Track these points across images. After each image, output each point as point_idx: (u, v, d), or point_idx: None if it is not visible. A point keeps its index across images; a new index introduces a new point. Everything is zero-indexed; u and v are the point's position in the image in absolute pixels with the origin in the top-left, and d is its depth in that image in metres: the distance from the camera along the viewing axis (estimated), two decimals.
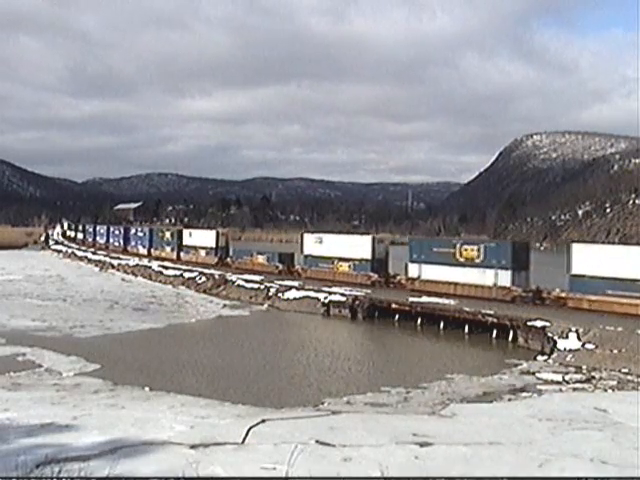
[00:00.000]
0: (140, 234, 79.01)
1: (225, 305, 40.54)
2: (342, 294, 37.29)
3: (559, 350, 24.94)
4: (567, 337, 25.32)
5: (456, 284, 36.40)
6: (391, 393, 19.11)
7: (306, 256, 47.78)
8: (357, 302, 35.86)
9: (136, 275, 59.48)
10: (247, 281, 45.15)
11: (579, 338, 24.99)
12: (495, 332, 29.47)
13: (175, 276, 53.25)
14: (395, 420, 15.99)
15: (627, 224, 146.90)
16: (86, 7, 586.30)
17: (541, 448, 13.36)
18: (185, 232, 68.28)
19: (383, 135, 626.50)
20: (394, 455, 12.64)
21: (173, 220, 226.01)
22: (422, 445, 13.42)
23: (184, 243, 65.80)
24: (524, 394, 19.17)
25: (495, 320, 29.63)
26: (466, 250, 36.36)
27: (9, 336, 27.86)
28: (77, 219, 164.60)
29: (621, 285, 29.48)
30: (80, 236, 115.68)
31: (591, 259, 31.37)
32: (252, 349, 27.20)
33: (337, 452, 12.83)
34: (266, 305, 40.02)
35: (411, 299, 35.08)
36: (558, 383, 20.79)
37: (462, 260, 36.37)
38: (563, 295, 32.64)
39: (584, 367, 22.89)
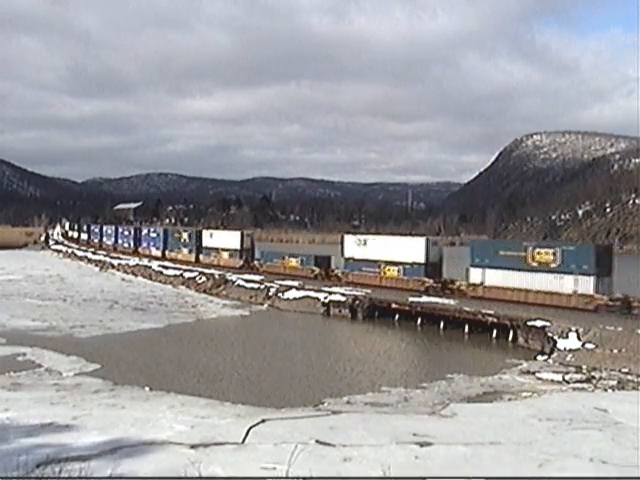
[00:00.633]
0: (153, 235, 75.92)
1: (225, 305, 40.54)
2: (342, 294, 37.30)
3: (559, 350, 24.93)
4: (567, 337, 25.32)
5: (527, 291, 33.20)
6: (391, 393, 19.11)
7: (347, 259, 44.50)
8: (357, 302, 35.85)
9: (136, 275, 59.49)
10: (247, 281, 45.15)
11: (579, 338, 24.98)
12: (495, 332, 29.46)
13: (175, 276, 53.25)
14: (395, 420, 15.99)
15: (627, 224, 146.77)
16: (86, 7, 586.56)
17: (541, 448, 13.36)
18: (205, 233, 64.46)
19: (383, 135, 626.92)
20: (394, 455, 12.64)
21: (173, 220, 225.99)
22: (422, 445, 13.42)
23: (204, 245, 62.26)
24: (524, 394, 19.16)
25: (495, 320, 29.62)
26: (540, 254, 33.10)
27: (9, 336, 27.87)
28: (77, 219, 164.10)
29: None
30: (84, 237, 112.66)
31: None
32: (252, 349, 27.19)
33: (337, 452, 12.84)
34: (266, 305, 40.02)
35: (411, 299, 35.07)
36: (558, 383, 20.78)
37: (535, 265, 33.10)
38: None
39: (584, 367, 22.87)
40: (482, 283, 35.74)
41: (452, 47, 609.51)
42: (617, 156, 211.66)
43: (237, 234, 58.98)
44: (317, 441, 13.50)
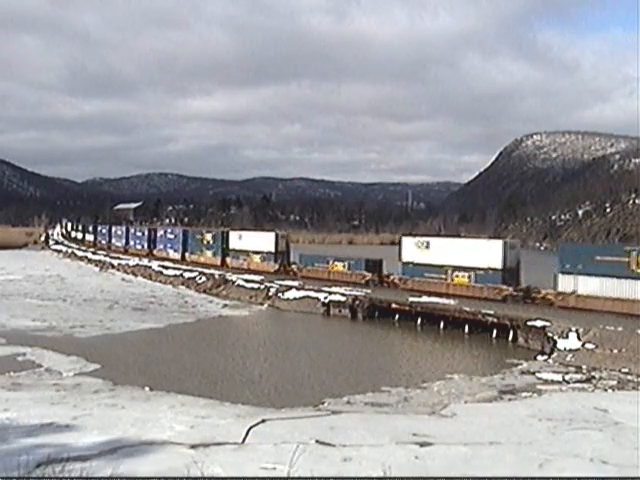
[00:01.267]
0: (170, 236, 71.48)
1: (225, 305, 40.55)
2: (342, 294, 37.30)
3: (559, 350, 24.93)
4: (567, 337, 25.31)
5: (633, 301, 29.43)
6: (391, 393, 19.12)
7: (406, 263, 40.43)
8: (357, 302, 35.85)
9: (136, 275, 59.52)
10: (247, 281, 45.16)
11: (579, 338, 24.98)
12: (495, 332, 29.46)
13: (175, 276, 53.30)
14: (395, 420, 16.00)
15: (627, 224, 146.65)
16: (87, 6, 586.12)
17: (541, 448, 13.37)
18: (233, 234, 59.35)
19: (384, 135, 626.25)
20: (394, 455, 12.65)
21: (173, 220, 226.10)
22: (422, 445, 13.43)
23: (231, 247, 57.66)
24: (524, 394, 19.16)
25: (495, 320, 29.62)
26: None
27: (9, 336, 27.89)
28: (77, 219, 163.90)
29: None
30: (90, 237, 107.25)
31: None
32: (252, 349, 27.21)
33: (337, 452, 12.85)
34: (266, 305, 40.03)
35: (411, 299, 35.07)
36: (558, 383, 20.79)
37: None
38: None
39: (584, 367, 22.88)
40: (574, 292, 31.81)
41: (453, 47, 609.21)
42: (617, 156, 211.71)
43: (271, 235, 54.44)
44: (317, 441, 13.51)
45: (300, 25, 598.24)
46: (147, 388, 19.03)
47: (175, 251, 67.77)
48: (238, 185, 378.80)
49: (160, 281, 53.77)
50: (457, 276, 37.06)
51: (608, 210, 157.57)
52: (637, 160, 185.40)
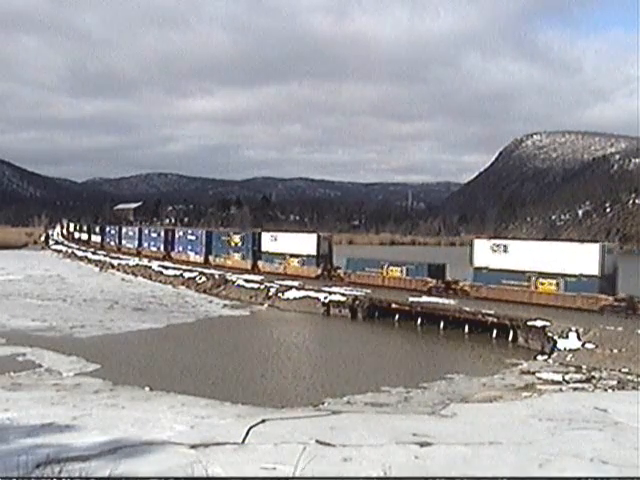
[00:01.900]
0: (191, 237, 65.97)
1: (225, 305, 40.56)
2: (342, 294, 37.32)
3: (559, 350, 24.94)
4: (567, 337, 25.32)
5: None
6: (391, 393, 19.11)
7: (478, 268, 36.41)
8: (357, 302, 35.86)
9: (136, 275, 59.53)
10: (247, 281, 45.18)
11: (579, 338, 24.99)
12: (495, 332, 29.46)
13: (175, 276, 53.31)
14: (395, 420, 15.99)
15: (627, 224, 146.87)
16: (87, 6, 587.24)
17: (541, 448, 13.37)
18: (265, 235, 54.27)
19: (384, 135, 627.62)
20: (394, 455, 12.65)
21: (173, 220, 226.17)
22: (422, 445, 13.43)
23: (264, 249, 53.05)
24: (524, 394, 19.16)
25: (495, 320, 29.63)
26: None
27: (9, 336, 27.86)
28: (78, 219, 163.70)
29: None
30: (96, 239, 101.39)
31: None
32: (252, 349, 27.19)
33: (337, 452, 12.85)
34: (266, 305, 40.03)
35: (411, 299, 35.08)
36: (558, 383, 20.78)
37: None
38: None
39: (584, 367, 22.88)
40: None
41: (454, 47, 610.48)
42: (617, 156, 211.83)
43: (313, 237, 49.63)
44: (317, 441, 13.51)
45: (301, 25, 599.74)
46: (147, 388, 19.03)
47: (197, 254, 62.80)
48: (238, 185, 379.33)
49: (160, 281, 53.78)
50: (543, 283, 33.25)
51: (608, 210, 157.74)
52: (637, 160, 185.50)
